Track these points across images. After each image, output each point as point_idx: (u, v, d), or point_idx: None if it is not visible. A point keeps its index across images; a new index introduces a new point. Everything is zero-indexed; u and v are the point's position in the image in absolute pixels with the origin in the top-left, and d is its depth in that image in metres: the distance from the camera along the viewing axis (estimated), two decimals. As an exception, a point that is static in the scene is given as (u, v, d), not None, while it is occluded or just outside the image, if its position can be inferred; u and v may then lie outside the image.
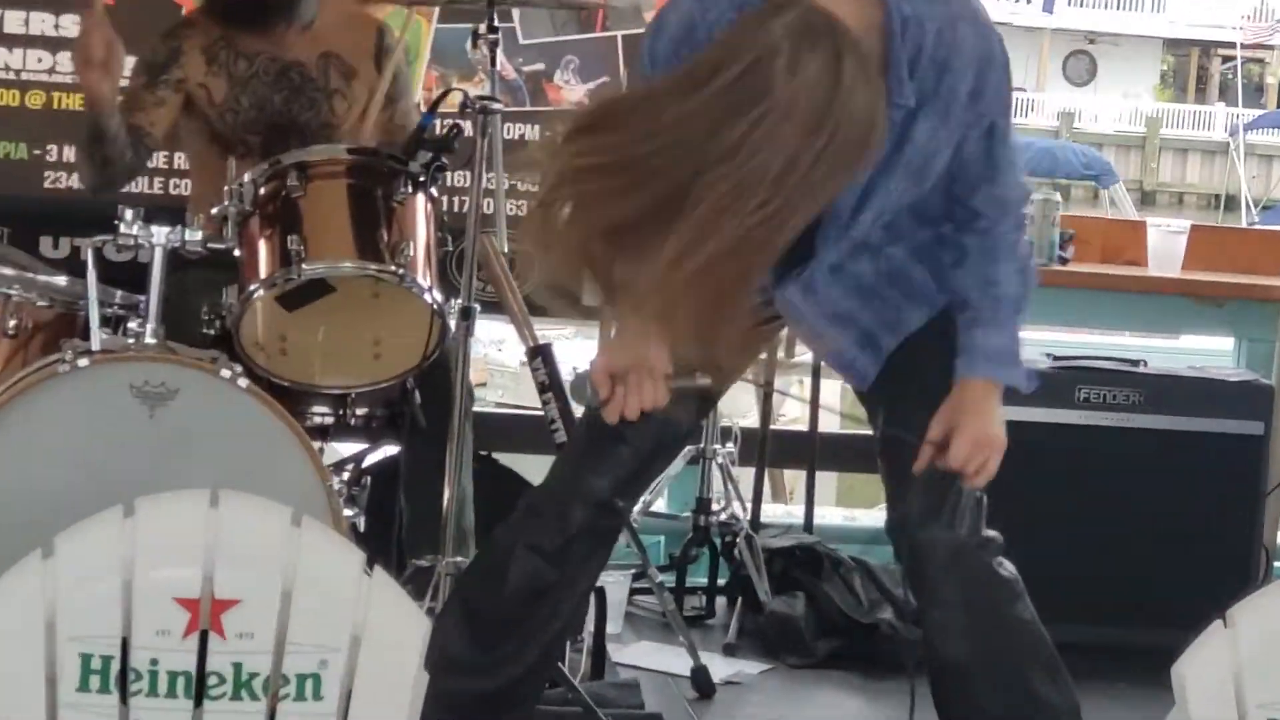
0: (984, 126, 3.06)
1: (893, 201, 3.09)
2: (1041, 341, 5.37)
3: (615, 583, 4.59)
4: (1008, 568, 3.25)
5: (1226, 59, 41.26)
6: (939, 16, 2.97)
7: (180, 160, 4.75)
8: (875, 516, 5.44)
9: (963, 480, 3.11)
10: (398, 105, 4.38)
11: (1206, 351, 5.85)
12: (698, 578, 4.96)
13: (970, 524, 3.22)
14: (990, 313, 3.14)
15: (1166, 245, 5.59)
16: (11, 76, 4.96)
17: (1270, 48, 40.50)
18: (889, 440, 3.27)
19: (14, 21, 4.93)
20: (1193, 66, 44.78)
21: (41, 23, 4.90)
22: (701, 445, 4.86)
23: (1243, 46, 38.65)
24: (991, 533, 3.25)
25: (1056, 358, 5.09)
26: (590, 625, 4.21)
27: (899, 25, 2.93)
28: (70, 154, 4.82)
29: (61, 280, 3.88)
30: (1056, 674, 3.27)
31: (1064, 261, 5.55)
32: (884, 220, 3.14)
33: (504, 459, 4.60)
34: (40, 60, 4.92)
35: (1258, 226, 21.65)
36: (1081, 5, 41.75)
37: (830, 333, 3.26)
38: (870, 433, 3.41)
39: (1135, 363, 5.11)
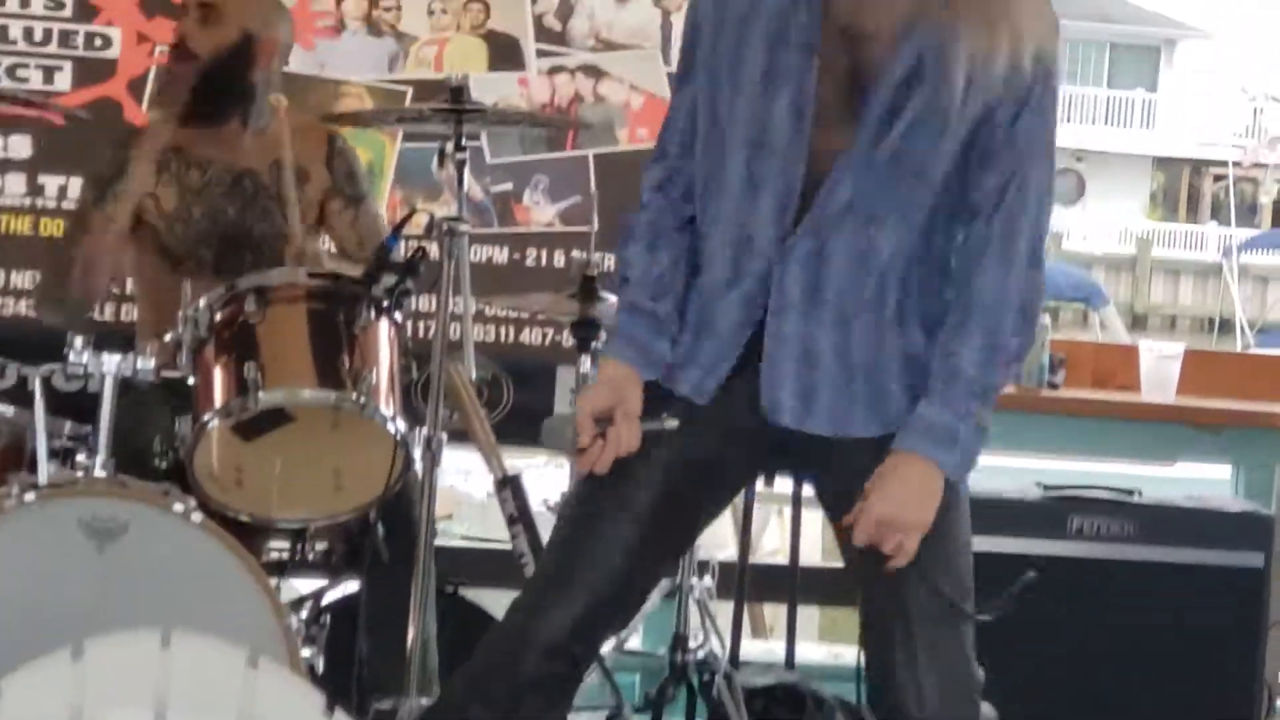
0: (1011, 112, 2.98)
1: (872, 188, 3.02)
2: (1032, 469, 5.37)
3: (588, 725, 4.55)
4: None
5: (1218, 177, 41.52)
6: None
7: (131, 284, 4.72)
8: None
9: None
10: (361, 205, 4.42)
11: (1204, 480, 5.85)
12: (675, 718, 4.91)
13: (968, 708, 3.17)
14: (941, 385, 3.03)
15: (1160, 370, 5.61)
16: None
17: (1264, 166, 40.77)
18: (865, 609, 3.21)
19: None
20: (1184, 185, 45.07)
21: (-13, 144, 4.89)
22: (678, 579, 4.83)
23: (1236, 165, 38.83)
24: (989, 712, 3.21)
25: (1048, 487, 5.08)
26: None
27: None
28: (17, 279, 4.83)
29: (8, 411, 3.84)
30: None
31: (1054, 387, 5.58)
32: (866, 213, 3.03)
33: (471, 595, 4.55)
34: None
35: (1254, 351, 21.73)
36: (1068, 121, 42.16)
37: (786, 356, 3.11)
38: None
39: (1130, 492, 5.10)
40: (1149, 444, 5.70)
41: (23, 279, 4.78)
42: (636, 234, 3.18)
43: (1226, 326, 32.18)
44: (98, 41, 4.84)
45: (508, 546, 4.09)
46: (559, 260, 4.93)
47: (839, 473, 3.14)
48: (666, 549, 3.34)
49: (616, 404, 3.05)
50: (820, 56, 3.00)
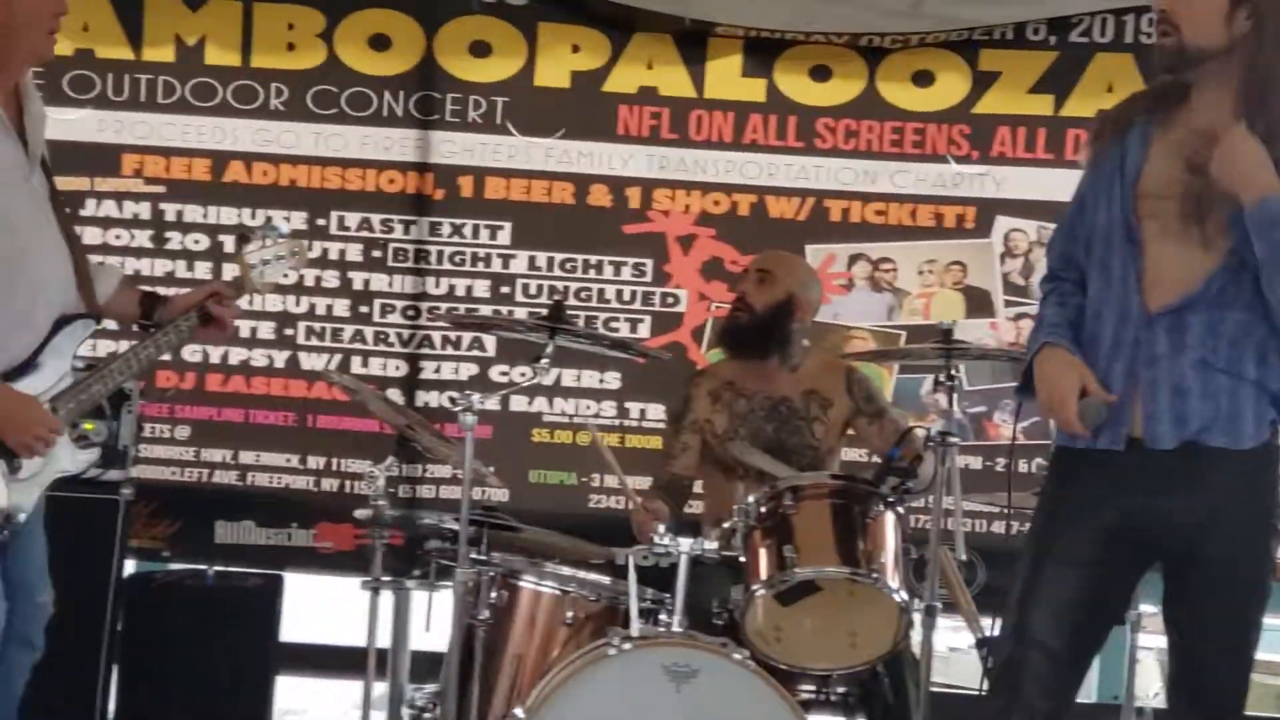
0: None
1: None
2: None
3: None
4: None
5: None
6: None
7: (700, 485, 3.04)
8: None
9: None
10: (884, 418, 2.87)
11: None
12: None
13: None
14: None
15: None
16: (564, 419, 3.37)
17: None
18: None
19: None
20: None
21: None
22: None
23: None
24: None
25: None
26: None
27: None
28: (609, 480, 3.26)
29: (606, 580, 2.51)
30: None
31: None
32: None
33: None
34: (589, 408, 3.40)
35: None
36: None
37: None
38: None
39: None
40: None
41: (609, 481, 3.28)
42: (1050, 300, 2.02)
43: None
44: (669, 300, 3.34)
45: (970, 692, 2.45)
46: (1023, 467, 3.14)
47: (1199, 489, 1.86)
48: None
49: (1084, 378, 1.89)
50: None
